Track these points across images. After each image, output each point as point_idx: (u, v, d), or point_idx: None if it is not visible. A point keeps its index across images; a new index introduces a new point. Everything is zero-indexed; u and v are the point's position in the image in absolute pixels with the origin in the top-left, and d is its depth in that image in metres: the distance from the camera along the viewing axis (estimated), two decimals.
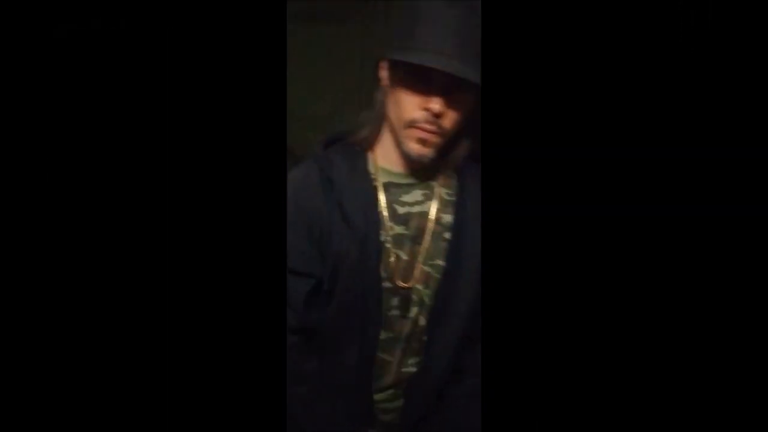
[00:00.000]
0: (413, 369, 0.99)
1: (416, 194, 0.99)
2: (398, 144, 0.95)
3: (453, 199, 0.99)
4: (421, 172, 0.99)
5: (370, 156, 1.00)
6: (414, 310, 0.98)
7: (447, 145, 0.97)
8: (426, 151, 0.93)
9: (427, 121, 0.90)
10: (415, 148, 0.93)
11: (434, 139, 0.92)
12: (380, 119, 0.97)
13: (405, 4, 0.93)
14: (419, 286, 0.97)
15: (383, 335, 0.97)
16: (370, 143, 1.00)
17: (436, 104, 0.88)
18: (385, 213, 0.96)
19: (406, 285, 0.96)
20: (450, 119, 0.91)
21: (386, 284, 0.96)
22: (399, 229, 0.97)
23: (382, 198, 0.97)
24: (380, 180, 0.98)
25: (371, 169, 0.99)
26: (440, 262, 0.97)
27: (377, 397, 1.00)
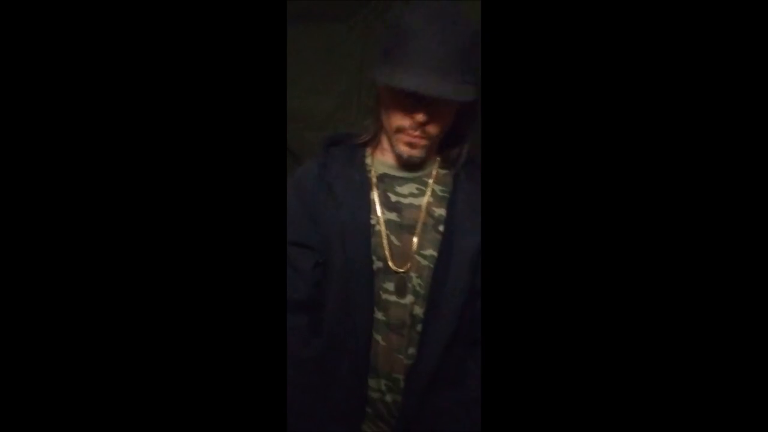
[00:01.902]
0: (408, 361, 1.01)
1: (410, 187, 1.05)
2: (392, 145, 1.03)
3: (447, 195, 1.05)
4: (416, 169, 1.06)
5: (368, 151, 1.07)
6: (409, 297, 1.01)
7: (440, 144, 1.05)
8: (415, 152, 1.02)
9: (414, 128, 0.99)
10: (404, 150, 1.01)
11: (422, 143, 1.01)
12: (378, 123, 1.05)
13: (388, 21, 1.00)
14: (413, 274, 1.01)
15: (378, 315, 1.00)
16: (369, 144, 1.08)
17: (420, 116, 0.97)
18: (377, 198, 1.03)
19: (400, 270, 1.00)
20: (436, 126, 1.00)
21: (378, 265, 1.00)
22: (391, 216, 1.03)
23: (375, 185, 1.04)
24: (376, 171, 1.05)
25: (368, 161, 1.06)
26: (433, 253, 1.01)
27: (370, 383, 1.02)
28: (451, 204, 1.04)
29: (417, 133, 0.98)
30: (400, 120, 0.98)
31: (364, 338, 1.00)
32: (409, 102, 0.96)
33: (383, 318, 1.01)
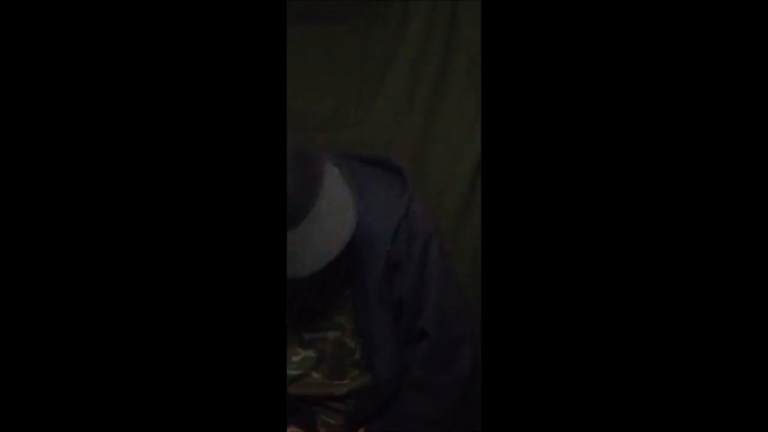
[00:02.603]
0: (349, 382, 1.04)
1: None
2: None
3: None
4: None
5: None
6: (332, 334, 1.03)
7: None
8: None
9: None
10: None
11: None
12: None
13: None
14: (329, 313, 1.02)
15: (296, 357, 1.02)
16: None
17: None
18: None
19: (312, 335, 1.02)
20: None
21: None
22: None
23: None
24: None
25: None
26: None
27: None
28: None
29: None
30: None
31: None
32: None
33: (312, 354, 1.03)
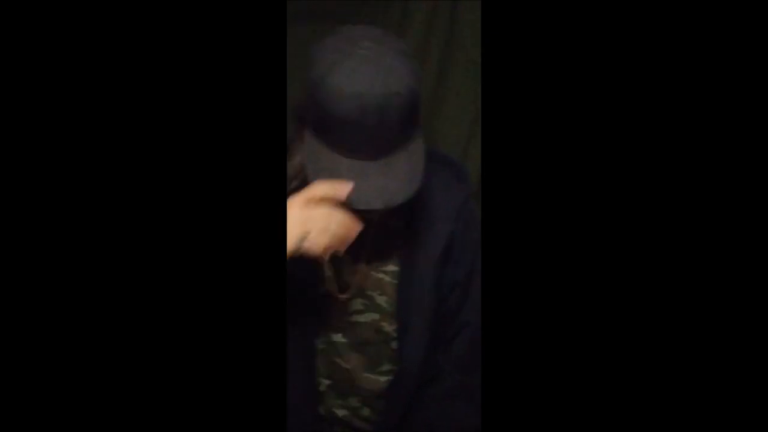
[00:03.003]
0: (382, 378, 0.98)
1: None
2: None
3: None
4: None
5: None
6: (371, 315, 0.97)
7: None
8: None
9: None
10: None
11: None
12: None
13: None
14: (371, 292, 0.96)
15: (336, 338, 0.96)
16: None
17: None
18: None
19: (343, 296, 0.95)
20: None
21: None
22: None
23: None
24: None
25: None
26: (393, 267, 0.96)
27: (338, 403, 0.99)
28: (410, 213, 0.96)
29: None
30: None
31: (307, 361, 0.97)
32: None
33: (342, 339, 0.97)
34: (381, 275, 0.97)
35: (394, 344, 0.97)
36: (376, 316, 0.97)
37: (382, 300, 0.96)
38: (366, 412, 1.00)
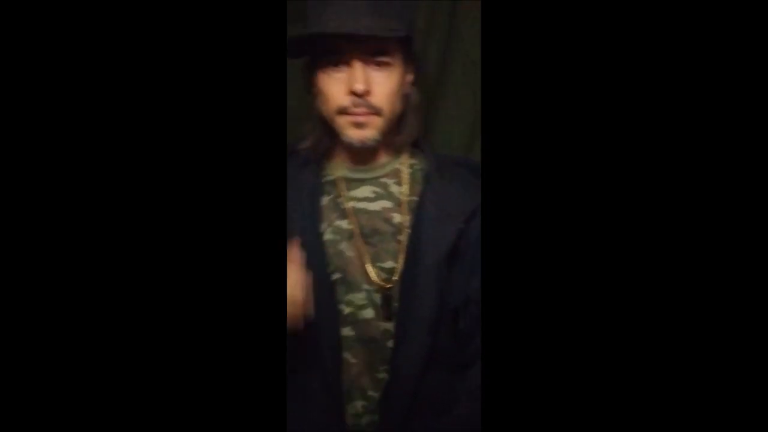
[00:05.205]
0: (382, 376, 0.94)
1: (365, 190, 0.97)
2: (340, 138, 0.93)
3: (409, 198, 0.96)
4: (373, 168, 0.97)
5: (323, 158, 0.99)
6: (369, 312, 0.94)
7: (391, 127, 0.95)
8: (367, 133, 0.91)
9: (356, 105, 0.89)
10: (353, 134, 0.91)
11: (370, 120, 0.90)
12: (321, 122, 0.95)
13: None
14: (367, 287, 0.94)
15: (345, 332, 0.94)
16: (319, 150, 0.98)
17: (358, 84, 0.87)
18: (326, 204, 0.95)
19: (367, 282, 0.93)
20: (379, 96, 0.90)
21: (336, 276, 0.94)
22: (342, 224, 0.95)
23: (326, 191, 0.96)
24: (331, 176, 0.98)
25: (324, 167, 0.98)
26: (392, 264, 0.94)
27: (349, 408, 0.96)
28: (418, 208, 0.95)
29: (361, 109, 0.89)
30: (338, 99, 0.89)
31: (332, 355, 0.93)
32: (343, 70, 0.88)
33: (351, 333, 0.94)
34: (377, 270, 0.94)
35: (390, 343, 0.94)
36: (373, 311, 0.94)
37: (376, 296, 0.94)
38: (366, 419, 0.96)
